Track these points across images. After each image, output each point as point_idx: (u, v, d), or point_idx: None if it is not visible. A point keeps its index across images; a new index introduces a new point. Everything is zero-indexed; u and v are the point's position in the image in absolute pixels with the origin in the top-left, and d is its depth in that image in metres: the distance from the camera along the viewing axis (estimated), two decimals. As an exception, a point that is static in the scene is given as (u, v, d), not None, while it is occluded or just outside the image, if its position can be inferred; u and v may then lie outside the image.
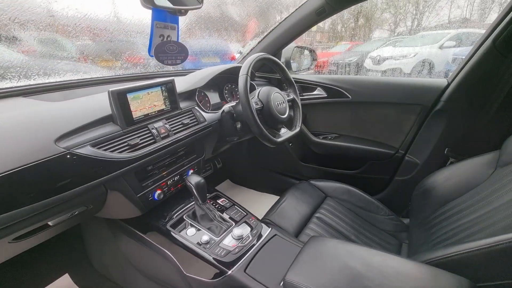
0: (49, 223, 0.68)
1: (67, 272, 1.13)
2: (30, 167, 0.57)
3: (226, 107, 1.09)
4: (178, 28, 0.74)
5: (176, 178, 0.96)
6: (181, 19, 0.76)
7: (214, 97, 1.25)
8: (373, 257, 0.64)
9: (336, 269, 0.63)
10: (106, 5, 1.16)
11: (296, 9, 1.17)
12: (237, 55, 1.94)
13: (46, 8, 0.96)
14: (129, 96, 0.78)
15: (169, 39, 0.69)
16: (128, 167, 0.75)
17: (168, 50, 0.70)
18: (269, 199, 1.56)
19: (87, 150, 0.68)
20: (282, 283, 0.70)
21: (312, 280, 0.61)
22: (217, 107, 1.18)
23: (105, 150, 0.71)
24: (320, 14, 1.10)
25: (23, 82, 0.93)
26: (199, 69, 1.25)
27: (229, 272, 0.74)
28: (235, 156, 1.74)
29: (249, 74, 0.95)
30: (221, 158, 1.71)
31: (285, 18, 1.24)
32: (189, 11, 0.75)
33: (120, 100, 0.76)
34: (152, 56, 0.68)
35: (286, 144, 1.55)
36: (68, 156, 0.64)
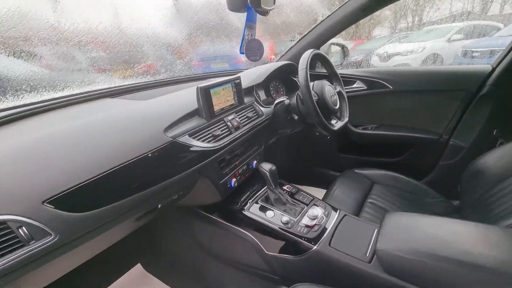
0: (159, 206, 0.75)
1: (139, 262, 1.21)
2: (148, 155, 0.65)
3: (279, 100, 1.17)
4: (256, 26, 0.82)
5: (244, 168, 1.03)
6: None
7: (261, 94, 1.33)
8: (461, 227, 0.70)
9: (423, 237, 0.69)
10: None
11: (341, 6, 1.24)
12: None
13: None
14: (212, 91, 0.86)
15: (252, 37, 0.77)
16: (216, 155, 0.82)
17: (251, 48, 0.78)
18: (315, 192, 1.63)
19: (186, 139, 0.76)
20: (368, 253, 0.76)
21: (403, 247, 0.67)
22: (267, 102, 1.26)
23: (198, 140, 0.79)
24: (366, 10, 1.17)
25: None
26: (231, 70, 1.33)
27: (315, 247, 0.81)
28: (274, 153, 1.81)
29: (308, 68, 1.02)
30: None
31: (328, 16, 1.31)
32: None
33: (206, 95, 0.84)
34: (242, 53, 0.76)
35: (324, 136, 1.61)
36: (174, 145, 0.72)
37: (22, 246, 0.46)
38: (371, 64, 5.51)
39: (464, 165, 1.14)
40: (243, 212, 0.96)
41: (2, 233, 0.45)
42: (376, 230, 0.82)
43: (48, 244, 0.48)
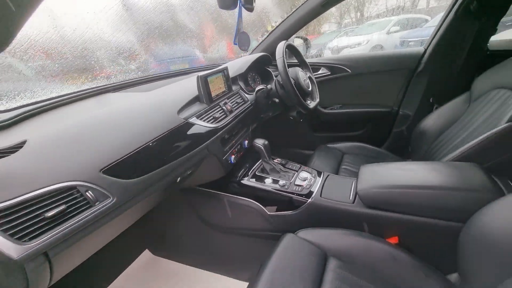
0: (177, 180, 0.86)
1: (147, 248, 1.28)
2: (169, 133, 0.77)
3: (260, 88, 1.33)
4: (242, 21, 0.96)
5: (239, 147, 1.17)
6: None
7: (241, 84, 1.47)
8: (414, 166, 0.93)
9: (391, 175, 0.91)
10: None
11: (302, 4, 1.44)
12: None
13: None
14: (209, 79, 0.99)
15: (241, 30, 0.92)
16: (219, 133, 0.96)
17: (241, 39, 0.92)
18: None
19: (195, 120, 0.88)
20: (351, 196, 0.96)
21: (377, 184, 0.88)
22: (248, 90, 1.41)
23: (203, 121, 0.91)
24: (325, 6, 1.39)
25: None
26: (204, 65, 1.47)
27: (309, 200, 0.99)
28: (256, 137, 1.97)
29: (284, 56, 1.20)
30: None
31: (292, 12, 1.50)
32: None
33: (205, 82, 0.96)
34: (236, 44, 0.90)
35: (298, 119, 1.82)
36: (187, 124, 0.84)
37: (90, 207, 0.56)
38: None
39: (411, 129, 1.42)
40: (243, 182, 1.10)
41: (73, 196, 0.54)
42: (354, 181, 1.03)
43: (108, 205, 0.58)
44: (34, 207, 0.49)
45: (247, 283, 1.11)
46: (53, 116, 0.77)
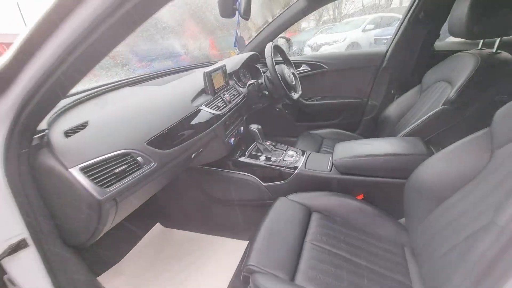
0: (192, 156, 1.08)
1: (158, 221, 1.48)
2: (187, 117, 0.99)
3: (251, 82, 1.55)
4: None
5: (237, 132, 1.40)
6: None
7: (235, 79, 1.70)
8: (374, 141, 1.21)
9: (359, 147, 1.18)
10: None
11: (285, 10, 1.68)
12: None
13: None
14: (212, 75, 1.21)
15: (239, 35, 1.14)
16: (222, 119, 1.18)
17: (240, 42, 1.15)
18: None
19: (204, 108, 1.10)
20: (328, 166, 1.22)
21: (348, 155, 1.15)
22: (241, 84, 1.63)
23: (210, 108, 1.13)
24: (304, 12, 1.64)
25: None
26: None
27: (296, 171, 1.24)
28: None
29: (272, 55, 1.43)
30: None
31: (276, 17, 1.74)
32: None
33: (209, 77, 1.18)
34: (236, 46, 1.12)
35: (283, 110, 2.06)
36: (198, 111, 1.06)
37: (140, 168, 0.77)
38: (304, 54, 6.22)
39: (378, 117, 1.71)
40: (241, 160, 1.33)
41: (129, 160, 0.75)
42: (331, 156, 1.29)
43: (152, 168, 0.80)
44: (106, 165, 0.70)
45: (247, 241, 1.35)
46: (99, 101, 0.96)
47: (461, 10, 1.07)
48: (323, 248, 0.92)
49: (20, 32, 0.51)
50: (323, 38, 7.94)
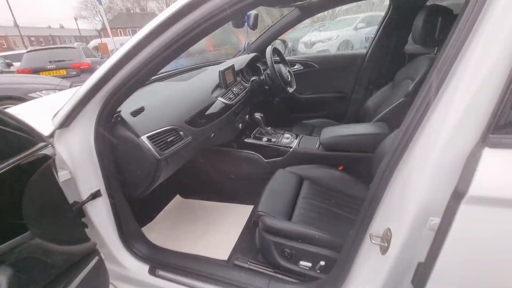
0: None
1: (178, 193, 1.80)
2: (209, 104, 1.30)
3: (253, 78, 1.87)
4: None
5: (243, 119, 1.72)
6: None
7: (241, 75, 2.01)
8: (352, 125, 1.54)
9: (343, 130, 1.51)
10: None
11: (283, 17, 2.00)
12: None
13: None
14: (225, 73, 1.52)
15: (248, 42, 1.46)
16: (233, 108, 1.50)
17: (248, 48, 1.47)
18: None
19: (220, 99, 1.42)
20: (317, 145, 1.55)
21: (333, 135, 1.48)
22: (245, 80, 1.95)
23: (224, 99, 1.45)
24: (299, 20, 1.96)
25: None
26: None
27: (291, 149, 1.57)
28: None
29: (272, 57, 1.75)
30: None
31: (274, 23, 2.05)
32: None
33: (223, 75, 1.50)
34: (245, 50, 1.44)
35: (280, 103, 2.39)
36: (217, 101, 1.37)
37: (181, 140, 1.09)
38: (298, 51, 6.54)
39: (360, 108, 2.05)
40: (246, 141, 1.66)
41: (173, 133, 1.07)
42: (318, 138, 1.62)
43: (188, 140, 1.11)
44: (163, 136, 1.02)
45: (253, 206, 1.68)
46: (142, 93, 1.27)
47: (418, 23, 1.40)
48: (311, 202, 1.25)
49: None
50: (316, 36, 8.22)
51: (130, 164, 1.02)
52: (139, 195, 1.12)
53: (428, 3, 1.49)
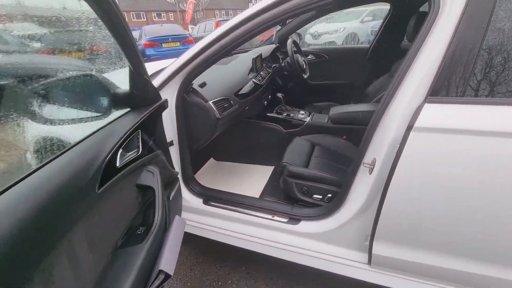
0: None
1: (212, 156, 2.24)
2: (246, 83, 1.73)
3: (274, 65, 2.28)
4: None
5: (267, 98, 2.14)
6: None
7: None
8: (354, 105, 1.96)
9: (349, 108, 1.94)
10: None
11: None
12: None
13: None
14: (256, 59, 1.93)
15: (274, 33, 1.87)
16: (262, 87, 1.91)
17: (274, 39, 1.88)
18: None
19: (253, 80, 1.83)
20: (326, 120, 1.98)
21: (340, 111, 1.90)
22: (267, 67, 2.35)
23: (256, 80, 1.87)
24: (316, 17, 2.34)
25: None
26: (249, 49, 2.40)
27: (306, 122, 2.00)
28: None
29: (292, 48, 2.15)
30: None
31: (291, 20, 2.43)
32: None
33: (255, 61, 1.91)
34: (274, 42, 1.85)
35: (294, 88, 2.79)
36: (251, 82, 1.79)
37: (232, 107, 1.52)
38: (305, 41, 6.84)
39: (361, 94, 2.46)
40: (269, 114, 2.09)
41: (227, 101, 1.49)
42: (327, 115, 2.04)
43: (236, 108, 1.54)
44: (220, 103, 1.44)
45: (273, 166, 2.12)
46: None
47: (410, 24, 1.79)
48: (321, 160, 1.69)
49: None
50: (324, 27, 8.47)
51: (197, 122, 1.45)
52: (197, 147, 1.55)
53: (421, 9, 1.88)
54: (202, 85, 1.47)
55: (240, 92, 1.65)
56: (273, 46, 2.37)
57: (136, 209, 0.92)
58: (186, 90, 1.37)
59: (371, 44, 2.46)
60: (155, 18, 34.32)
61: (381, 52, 2.42)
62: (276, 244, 1.40)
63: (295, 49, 2.42)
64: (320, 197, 1.48)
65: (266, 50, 2.30)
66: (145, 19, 33.25)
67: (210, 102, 1.39)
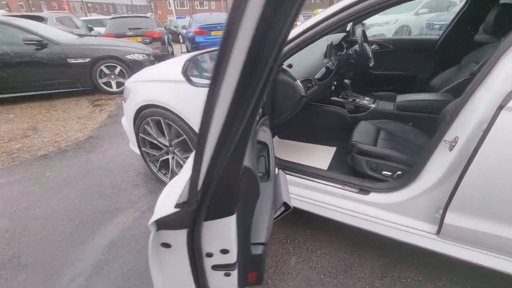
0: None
1: (277, 135, 2.46)
2: (322, 68, 1.89)
3: (342, 53, 2.40)
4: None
5: (334, 84, 2.29)
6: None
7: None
8: (420, 94, 2.04)
9: (413, 96, 2.02)
10: None
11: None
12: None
13: None
14: (329, 46, 2.08)
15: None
16: (333, 72, 2.06)
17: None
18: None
19: (327, 65, 1.99)
20: (393, 106, 2.08)
21: (405, 100, 2.00)
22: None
23: (329, 65, 2.02)
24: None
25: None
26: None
27: (371, 108, 2.12)
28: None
29: (362, 38, 2.25)
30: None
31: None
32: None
33: (328, 47, 2.05)
34: (347, 30, 1.98)
35: (358, 77, 2.88)
36: (326, 66, 1.95)
37: (313, 87, 1.70)
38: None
39: (426, 86, 2.49)
40: (333, 99, 2.24)
41: (310, 82, 1.68)
42: (394, 102, 2.13)
43: (315, 88, 1.72)
44: (304, 82, 1.63)
45: (335, 147, 2.28)
46: None
47: (491, 16, 1.81)
48: (389, 142, 1.81)
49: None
50: (374, 19, 8.19)
51: (284, 98, 1.66)
52: (278, 121, 1.77)
53: (502, 1, 1.88)
54: (289, 66, 1.67)
55: (315, 76, 1.82)
56: (343, 34, 2.49)
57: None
58: (277, 69, 1.57)
59: (441, 36, 2.47)
60: (197, 7, 35.31)
61: (451, 44, 2.42)
62: (345, 211, 1.58)
63: (363, 38, 2.51)
64: (390, 173, 1.62)
65: (336, 37, 2.42)
66: (188, 8, 34.32)
67: (298, 81, 1.58)
